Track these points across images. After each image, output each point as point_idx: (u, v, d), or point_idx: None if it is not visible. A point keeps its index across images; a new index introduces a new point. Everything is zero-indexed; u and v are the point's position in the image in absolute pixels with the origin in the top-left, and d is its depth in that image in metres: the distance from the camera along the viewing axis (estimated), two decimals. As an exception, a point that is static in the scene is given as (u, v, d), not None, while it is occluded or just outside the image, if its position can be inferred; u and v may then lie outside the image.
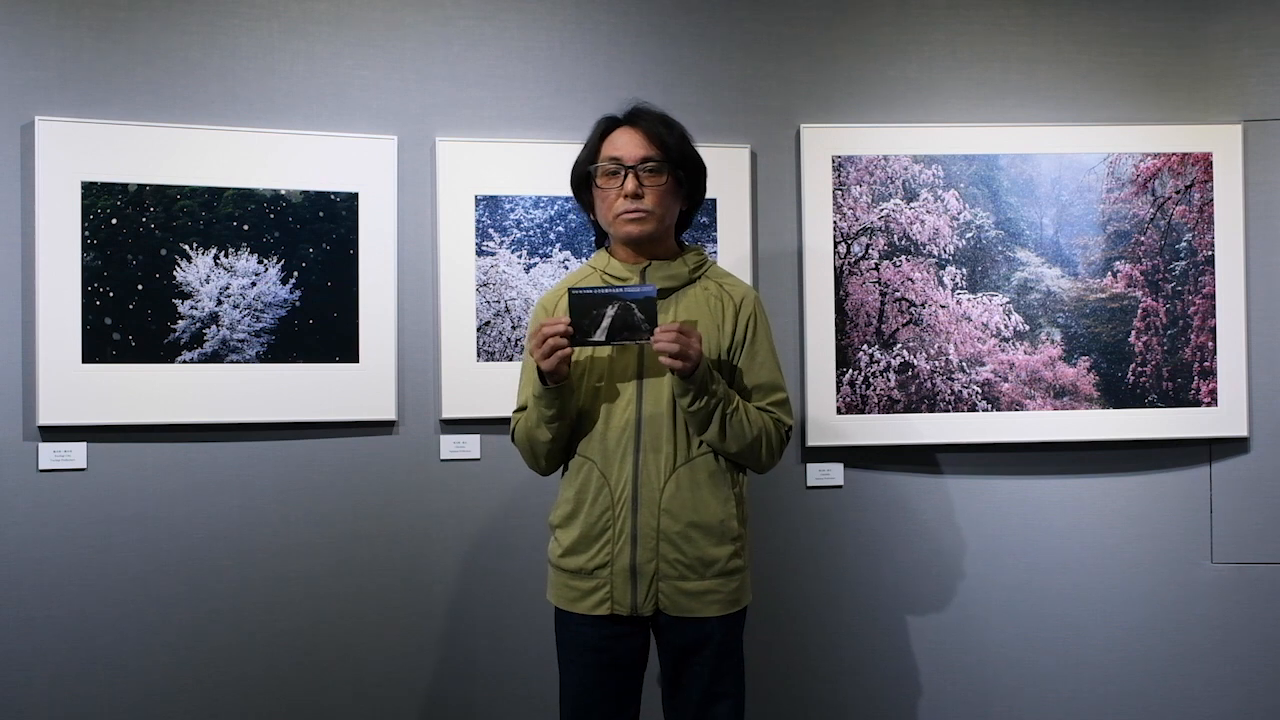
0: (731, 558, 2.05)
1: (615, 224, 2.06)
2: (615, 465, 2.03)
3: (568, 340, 1.93)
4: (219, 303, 2.57)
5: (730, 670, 2.09)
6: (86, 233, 2.48)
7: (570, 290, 1.96)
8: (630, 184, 2.02)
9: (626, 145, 2.04)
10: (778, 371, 2.12)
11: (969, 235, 2.85)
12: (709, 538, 2.02)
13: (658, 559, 2.01)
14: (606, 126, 2.09)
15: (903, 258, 2.83)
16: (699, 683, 2.07)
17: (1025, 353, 2.85)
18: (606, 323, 1.91)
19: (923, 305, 2.84)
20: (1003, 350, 2.85)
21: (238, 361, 2.57)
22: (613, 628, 2.05)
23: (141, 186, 2.52)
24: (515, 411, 2.16)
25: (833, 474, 2.85)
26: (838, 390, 2.81)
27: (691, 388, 1.95)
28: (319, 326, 2.63)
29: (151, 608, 2.55)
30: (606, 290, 1.93)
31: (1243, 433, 2.88)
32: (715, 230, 2.79)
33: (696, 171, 2.11)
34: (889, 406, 2.82)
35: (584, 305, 1.91)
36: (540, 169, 2.71)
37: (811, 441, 2.81)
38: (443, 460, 2.71)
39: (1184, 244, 2.87)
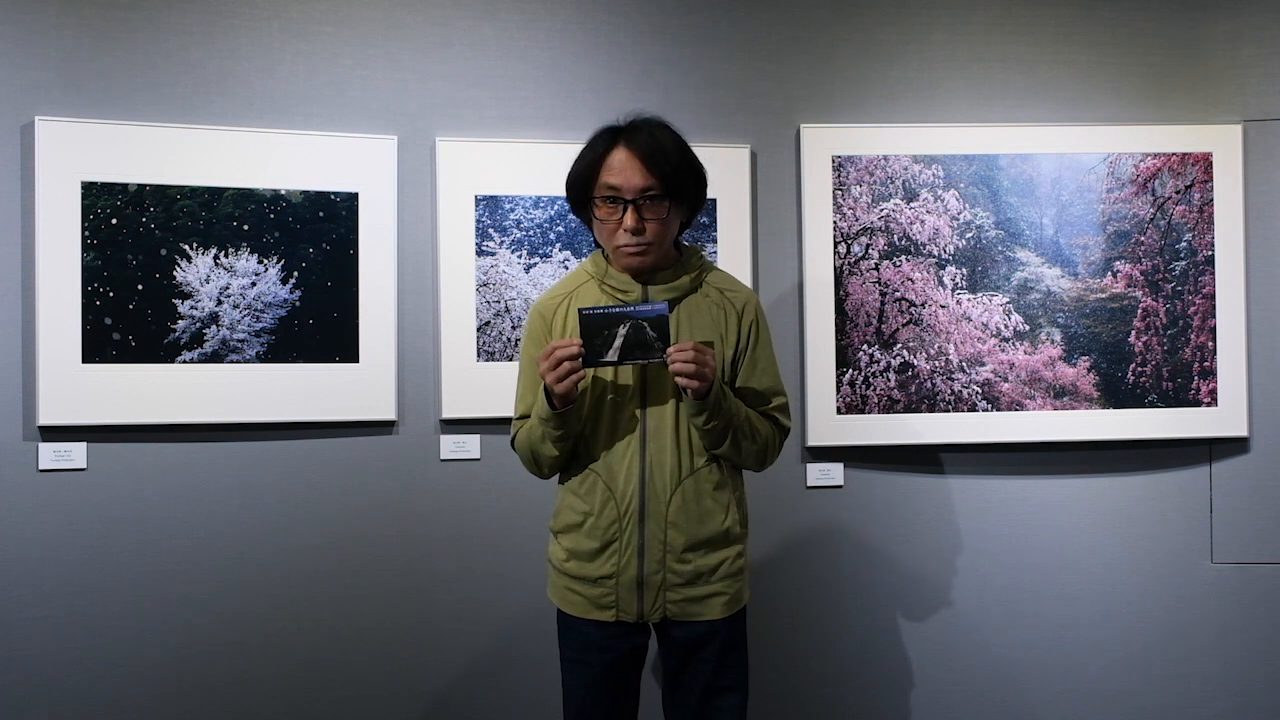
0: (735, 560, 2.07)
1: (616, 254, 2.02)
2: (621, 478, 2.02)
3: (581, 362, 1.90)
4: (219, 303, 2.56)
5: (734, 664, 2.10)
6: (86, 233, 2.48)
7: (580, 311, 1.93)
8: (630, 219, 1.95)
9: (624, 173, 1.96)
10: (778, 376, 2.14)
11: (969, 235, 2.84)
12: (714, 547, 2.05)
13: (664, 570, 2.03)
14: (605, 145, 2.00)
15: (903, 258, 2.83)
16: (702, 678, 2.08)
17: (1025, 353, 2.85)
18: (619, 342, 1.89)
19: (923, 305, 2.84)
20: (1003, 350, 2.85)
21: (238, 361, 2.57)
22: (616, 629, 2.06)
23: (141, 186, 2.52)
24: (517, 419, 2.13)
25: (833, 474, 2.85)
26: (838, 390, 2.81)
27: (706, 408, 1.95)
28: (319, 326, 2.63)
29: (151, 607, 2.55)
30: (619, 310, 1.91)
31: (1243, 433, 2.88)
32: (715, 230, 2.79)
33: (698, 187, 2.05)
34: (889, 406, 2.82)
35: (595, 325, 1.88)
36: (540, 169, 2.71)
37: (811, 441, 2.81)
38: (443, 460, 2.71)
39: (1184, 244, 2.87)
